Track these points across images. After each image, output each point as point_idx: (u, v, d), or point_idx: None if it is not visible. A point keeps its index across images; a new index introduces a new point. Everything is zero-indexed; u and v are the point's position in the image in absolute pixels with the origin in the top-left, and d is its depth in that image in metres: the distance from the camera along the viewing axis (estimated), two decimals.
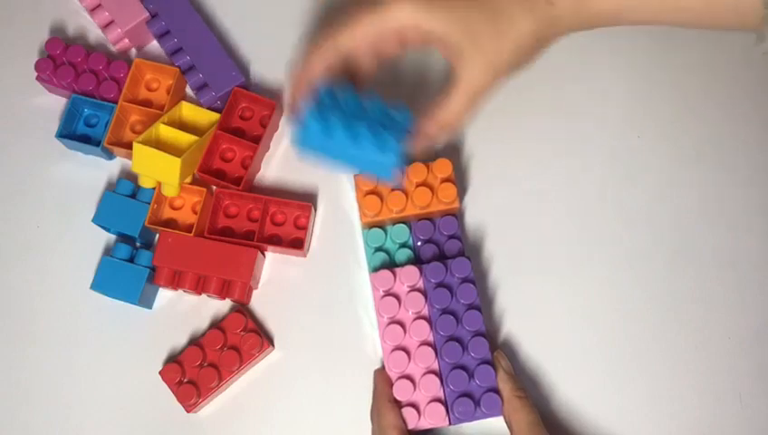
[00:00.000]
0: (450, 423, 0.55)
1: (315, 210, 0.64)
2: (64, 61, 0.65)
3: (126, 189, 0.62)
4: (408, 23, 0.50)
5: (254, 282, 0.61)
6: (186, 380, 0.58)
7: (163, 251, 0.60)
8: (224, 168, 0.64)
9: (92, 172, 0.65)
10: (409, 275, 0.58)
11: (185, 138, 0.62)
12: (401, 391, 0.55)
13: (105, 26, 0.67)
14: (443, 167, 0.60)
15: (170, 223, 0.63)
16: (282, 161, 0.66)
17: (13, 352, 0.61)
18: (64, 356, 0.61)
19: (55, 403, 0.60)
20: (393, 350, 0.56)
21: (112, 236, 0.63)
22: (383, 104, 0.54)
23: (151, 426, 0.59)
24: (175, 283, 0.60)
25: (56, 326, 0.62)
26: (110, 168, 0.65)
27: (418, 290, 0.58)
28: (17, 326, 0.62)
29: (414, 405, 0.55)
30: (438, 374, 0.56)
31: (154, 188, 0.62)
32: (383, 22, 0.51)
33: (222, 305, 0.61)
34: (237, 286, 0.60)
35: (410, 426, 0.54)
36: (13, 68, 0.68)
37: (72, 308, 0.62)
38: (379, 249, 0.60)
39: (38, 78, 0.66)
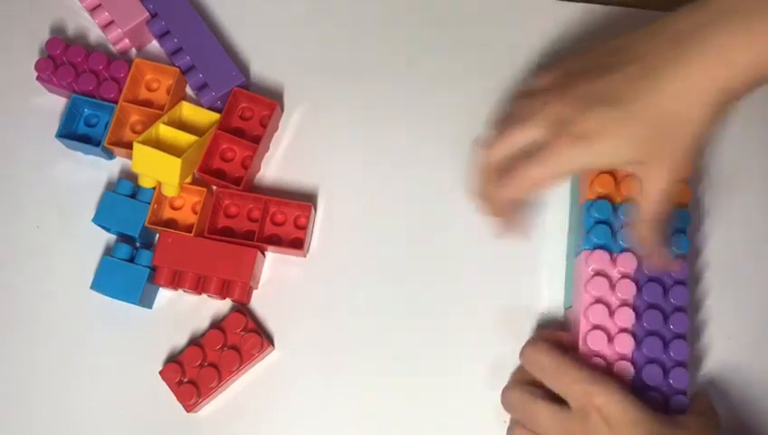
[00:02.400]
0: None
1: (315, 210, 0.63)
2: (64, 61, 0.65)
3: (126, 189, 0.62)
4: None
5: (254, 282, 0.61)
6: (186, 380, 0.58)
7: (163, 251, 0.60)
8: (224, 167, 0.64)
9: (92, 172, 0.65)
10: (626, 262, 0.57)
11: (185, 138, 0.62)
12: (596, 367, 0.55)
13: (105, 26, 0.67)
14: None
15: (170, 223, 0.63)
16: (281, 161, 0.66)
17: (13, 352, 0.61)
18: (64, 356, 0.61)
19: (55, 403, 0.60)
20: (593, 328, 0.56)
21: (112, 237, 0.63)
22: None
23: (151, 426, 0.59)
24: (175, 283, 0.60)
25: (56, 326, 0.62)
26: (110, 168, 0.65)
27: (631, 278, 0.57)
28: (17, 326, 0.62)
29: None
30: (633, 363, 0.55)
31: (154, 188, 0.62)
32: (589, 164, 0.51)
33: (222, 305, 0.61)
34: (237, 286, 0.60)
35: None
36: (13, 68, 0.68)
37: (72, 308, 0.62)
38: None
39: (38, 78, 0.65)
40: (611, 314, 0.56)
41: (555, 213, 0.64)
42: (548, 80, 0.55)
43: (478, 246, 0.63)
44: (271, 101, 0.64)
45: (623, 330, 0.56)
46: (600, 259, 0.57)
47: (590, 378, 0.51)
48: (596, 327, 0.56)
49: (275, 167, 0.65)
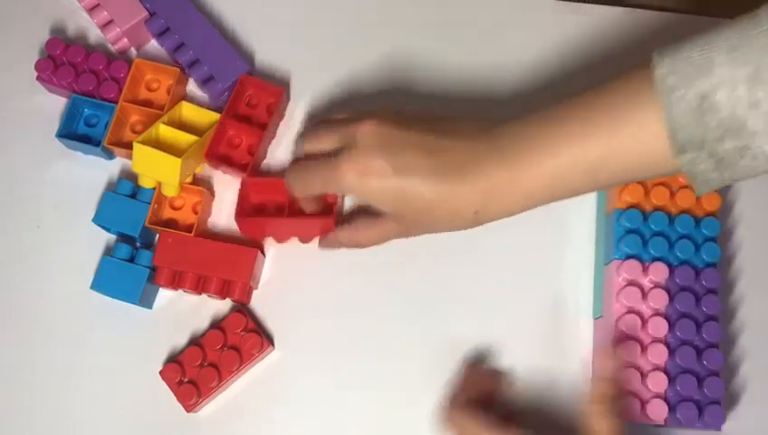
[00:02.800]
0: (665, 424, 0.55)
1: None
2: (64, 61, 0.65)
3: (126, 189, 0.62)
4: None
5: (254, 282, 0.61)
6: (186, 379, 0.58)
7: (163, 251, 0.60)
8: (231, 154, 0.64)
9: (92, 172, 0.65)
10: (657, 271, 0.58)
11: (185, 138, 0.62)
12: (628, 381, 0.55)
13: (104, 26, 0.67)
14: None
15: (170, 223, 0.63)
16: (288, 148, 0.66)
17: (12, 352, 0.61)
18: (64, 356, 0.61)
19: (55, 403, 0.60)
20: (626, 338, 0.56)
21: (112, 237, 0.63)
22: None
23: (151, 426, 0.59)
24: (175, 283, 0.60)
25: (56, 326, 0.62)
26: (110, 168, 0.65)
27: (663, 287, 0.57)
28: (17, 326, 0.62)
29: (636, 396, 0.55)
30: (666, 374, 0.56)
31: (154, 189, 0.62)
32: None
33: (222, 305, 0.61)
34: (237, 286, 0.60)
35: (629, 417, 0.55)
36: (13, 68, 0.68)
37: (72, 308, 0.62)
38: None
39: (38, 78, 0.65)
40: (644, 323, 0.57)
41: (580, 222, 0.64)
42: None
43: (499, 252, 0.63)
44: (278, 88, 0.64)
45: (656, 340, 0.56)
46: (631, 269, 0.58)
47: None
48: (628, 337, 0.56)
49: (282, 153, 0.66)
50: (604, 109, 0.48)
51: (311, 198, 0.58)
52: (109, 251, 0.63)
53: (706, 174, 0.46)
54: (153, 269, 0.60)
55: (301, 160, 0.56)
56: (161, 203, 0.62)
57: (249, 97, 0.66)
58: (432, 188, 0.51)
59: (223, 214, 0.64)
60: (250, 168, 0.62)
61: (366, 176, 0.51)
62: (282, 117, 0.67)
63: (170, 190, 0.61)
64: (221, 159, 0.63)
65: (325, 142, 0.55)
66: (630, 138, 0.47)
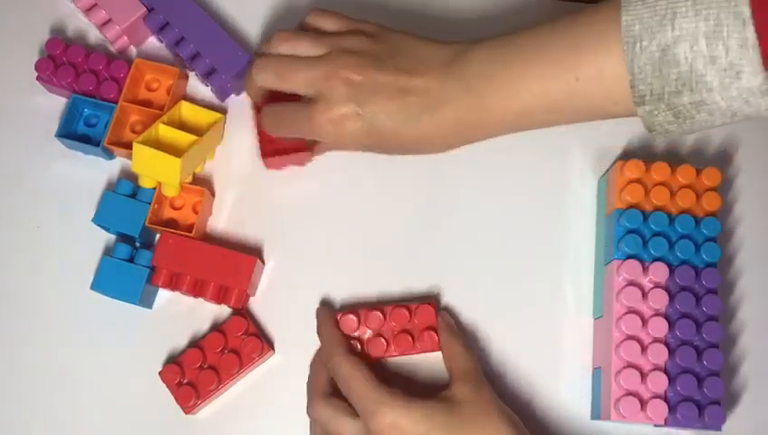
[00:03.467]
0: (665, 424, 0.55)
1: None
2: (64, 61, 0.65)
3: (126, 189, 0.62)
4: None
5: (251, 289, 0.61)
6: (185, 381, 0.58)
7: (163, 252, 0.60)
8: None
9: (92, 172, 0.65)
10: (658, 271, 0.58)
11: (185, 138, 0.62)
12: (628, 381, 0.56)
13: (102, 25, 0.67)
14: (712, 175, 0.59)
15: (171, 223, 0.63)
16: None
17: (12, 352, 0.61)
18: (64, 356, 0.61)
19: (54, 402, 0.60)
20: (627, 339, 0.56)
21: (112, 237, 0.63)
22: None
23: (150, 426, 0.59)
24: (172, 284, 0.60)
25: (56, 326, 0.62)
26: (110, 168, 0.65)
27: (663, 287, 0.57)
28: (17, 326, 0.62)
29: (636, 396, 0.55)
30: (666, 374, 0.56)
31: (154, 189, 0.62)
32: None
33: (223, 308, 0.61)
34: (234, 293, 0.60)
35: (630, 417, 0.55)
36: (13, 68, 0.68)
37: (72, 308, 0.62)
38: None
39: (38, 78, 0.65)
40: (644, 323, 0.57)
41: (580, 222, 0.64)
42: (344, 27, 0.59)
43: (499, 252, 0.63)
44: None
45: (656, 340, 0.56)
46: (631, 269, 0.58)
47: (375, 396, 0.52)
48: (629, 337, 0.56)
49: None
50: (568, 49, 0.50)
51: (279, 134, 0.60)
52: (109, 251, 0.63)
53: (665, 125, 0.48)
54: (152, 269, 0.60)
55: (273, 105, 0.58)
56: (161, 203, 0.62)
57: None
58: (405, 129, 0.54)
59: (223, 214, 0.64)
60: None
61: (340, 124, 0.54)
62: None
63: (170, 190, 0.61)
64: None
65: (290, 85, 0.56)
66: (592, 81, 0.49)
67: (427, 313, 0.59)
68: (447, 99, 0.53)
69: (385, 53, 0.55)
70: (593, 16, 0.50)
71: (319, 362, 0.58)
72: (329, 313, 0.60)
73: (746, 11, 0.43)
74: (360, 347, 0.58)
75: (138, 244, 0.63)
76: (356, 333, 0.59)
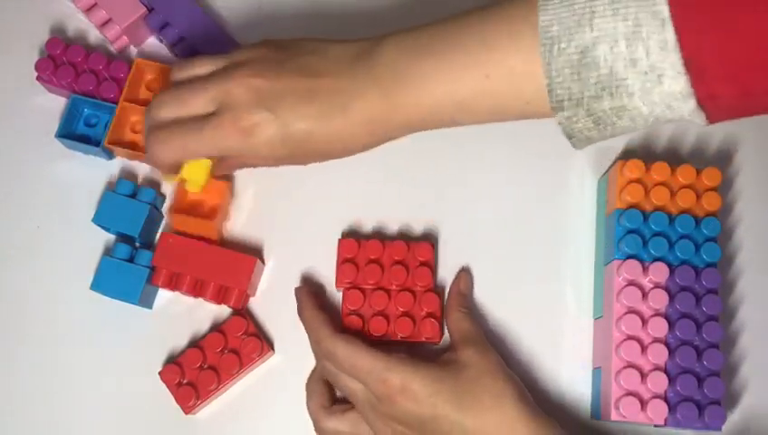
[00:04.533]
0: (665, 424, 0.55)
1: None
2: (64, 61, 0.65)
3: (126, 189, 0.62)
4: None
5: (251, 289, 0.61)
6: (185, 381, 0.58)
7: (162, 252, 0.60)
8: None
9: (92, 172, 0.65)
10: (658, 271, 0.57)
11: None
12: (628, 381, 0.56)
13: (102, 25, 0.67)
14: (712, 175, 0.59)
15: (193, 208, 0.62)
16: None
17: (12, 352, 0.61)
18: (64, 356, 0.61)
19: (54, 402, 0.60)
20: (626, 339, 0.56)
21: (112, 237, 0.63)
22: None
23: (149, 426, 0.59)
24: (172, 284, 0.60)
25: (56, 326, 0.62)
26: (110, 168, 0.65)
27: (663, 287, 0.57)
28: (17, 326, 0.62)
29: (636, 396, 0.55)
30: (666, 374, 0.56)
31: (154, 189, 0.62)
32: None
33: (223, 308, 0.61)
34: (234, 294, 0.60)
35: (630, 417, 0.55)
36: (13, 68, 0.68)
37: (72, 308, 0.62)
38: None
39: (38, 78, 0.65)
40: (644, 323, 0.57)
41: (580, 222, 0.64)
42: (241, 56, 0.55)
43: (499, 252, 0.63)
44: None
45: (656, 340, 0.56)
46: (631, 269, 0.58)
47: (382, 363, 0.53)
48: (629, 337, 0.56)
49: None
50: (479, 45, 0.48)
51: (174, 165, 0.55)
52: (109, 251, 0.63)
53: (584, 132, 0.46)
54: (152, 269, 0.60)
55: (162, 126, 0.54)
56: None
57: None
58: (319, 130, 0.51)
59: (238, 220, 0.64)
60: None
61: (251, 133, 0.51)
62: None
63: (194, 187, 0.61)
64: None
65: (194, 104, 0.53)
66: (503, 80, 0.47)
67: (424, 250, 0.60)
68: (358, 95, 0.51)
69: (286, 58, 0.53)
70: (507, 11, 0.47)
71: (313, 379, 0.58)
72: (309, 292, 0.59)
73: (665, 10, 0.41)
74: (361, 325, 0.58)
75: (138, 244, 0.63)
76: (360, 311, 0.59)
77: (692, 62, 0.41)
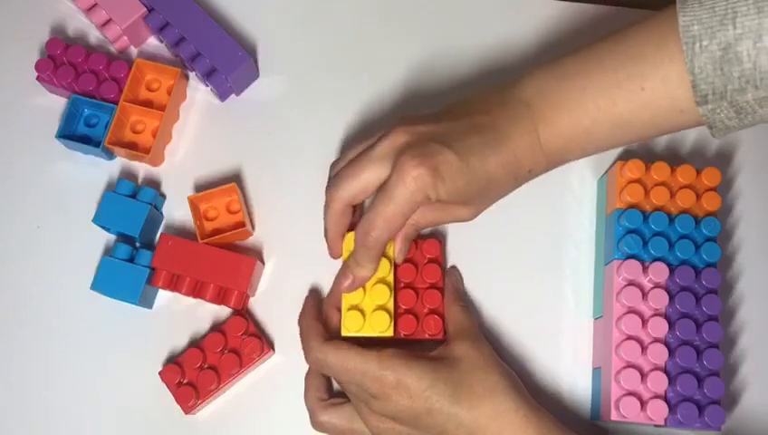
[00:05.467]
0: (665, 424, 0.55)
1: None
2: (64, 61, 0.65)
3: (126, 189, 0.62)
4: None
5: (251, 290, 0.61)
6: (185, 381, 0.58)
7: (163, 253, 0.60)
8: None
9: (92, 172, 0.65)
10: (658, 271, 0.57)
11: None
12: (628, 381, 0.56)
13: (103, 25, 0.67)
14: (712, 175, 0.59)
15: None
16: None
17: (13, 352, 0.61)
18: (64, 356, 0.61)
19: (54, 402, 0.60)
20: (626, 338, 0.56)
21: (112, 237, 0.63)
22: None
23: (150, 426, 0.60)
24: (172, 285, 0.60)
25: (56, 326, 0.62)
26: (110, 168, 0.65)
27: (663, 287, 0.57)
28: (17, 326, 0.62)
29: (636, 396, 0.55)
30: (666, 374, 0.56)
31: (154, 189, 0.62)
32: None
33: (223, 308, 0.61)
34: (234, 295, 0.60)
35: (630, 417, 0.55)
36: (13, 68, 0.68)
37: (72, 308, 0.62)
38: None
39: (38, 78, 0.65)
40: (644, 323, 0.57)
41: (580, 222, 0.64)
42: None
43: (499, 252, 0.63)
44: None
45: (656, 340, 0.56)
46: (631, 269, 0.58)
47: (375, 363, 0.53)
48: (629, 337, 0.56)
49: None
50: (628, 59, 0.49)
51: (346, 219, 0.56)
52: (109, 251, 0.63)
53: (725, 121, 0.48)
54: (152, 270, 0.60)
55: (340, 163, 0.55)
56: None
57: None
58: (492, 159, 0.51)
59: None
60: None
61: (437, 169, 0.50)
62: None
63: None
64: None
65: (365, 174, 0.53)
66: (658, 90, 0.48)
67: (432, 246, 0.60)
68: (516, 122, 0.52)
69: (431, 115, 0.53)
70: (648, 24, 0.49)
71: (311, 372, 0.58)
72: (313, 303, 0.59)
73: None
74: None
75: (138, 244, 0.63)
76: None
77: None
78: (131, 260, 0.61)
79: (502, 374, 0.54)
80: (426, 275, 0.59)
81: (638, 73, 0.49)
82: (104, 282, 0.60)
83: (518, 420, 0.52)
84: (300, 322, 0.58)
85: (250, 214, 0.64)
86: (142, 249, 0.61)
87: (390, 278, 0.57)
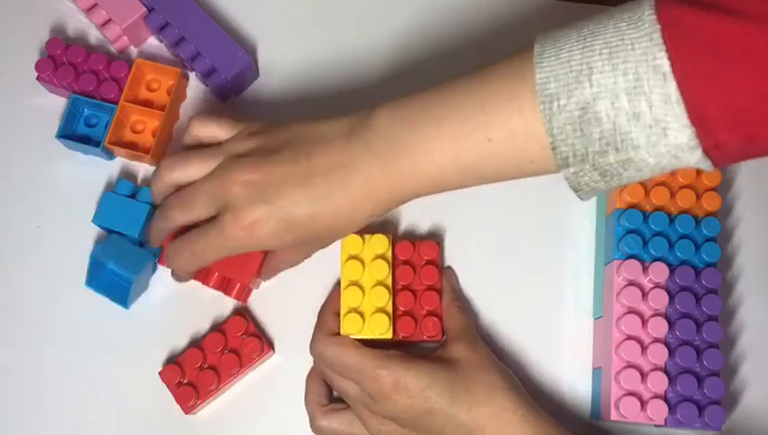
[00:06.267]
0: (665, 424, 0.55)
1: None
2: (64, 61, 0.65)
3: (126, 189, 0.62)
4: None
5: (254, 283, 0.61)
6: (185, 381, 0.58)
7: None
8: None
9: (92, 172, 0.65)
10: (658, 271, 0.58)
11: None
12: (628, 381, 0.56)
13: (103, 25, 0.67)
14: (712, 175, 0.59)
15: None
16: None
17: (12, 352, 0.61)
18: (63, 356, 0.61)
19: (54, 402, 0.60)
20: (626, 338, 0.57)
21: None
22: None
23: (150, 426, 0.59)
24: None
25: (56, 326, 0.62)
26: (110, 168, 0.65)
27: (663, 287, 0.57)
28: (17, 326, 0.62)
29: (636, 396, 0.55)
30: (666, 374, 0.56)
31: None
32: None
33: (223, 308, 0.62)
34: (236, 285, 0.60)
35: (630, 417, 0.55)
36: (13, 68, 0.68)
37: (72, 308, 0.62)
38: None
39: (38, 78, 0.65)
40: (644, 323, 0.57)
41: (580, 222, 0.64)
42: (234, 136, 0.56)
43: (499, 252, 0.63)
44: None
45: (656, 340, 0.56)
46: (631, 269, 0.58)
47: (374, 361, 0.53)
48: (629, 337, 0.56)
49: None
50: (477, 108, 0.47)
51: (194, 272, 0.59)
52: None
53: (591, 184, 0.46)
54: (161, 248, 0.60)
55: (176, 236, 0.56)
56: None
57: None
58: (322, 211, 0.51)
59: None
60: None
61: (253, 230, 0.51)
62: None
63: None
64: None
65: (196, 208, 0.54)
66: (505, 142, 0.46)
67: (430, 248, 0.60)
68: (356, 169, 0.50)
69: (278, 144, 0.53)
70: (503, 71, 0.47)
71: (312, 377, 0.59)
72: (335, 296, 0.59)
73: (665, 64, 0.40)
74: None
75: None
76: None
77: (696, 115, 0.41)
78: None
79: (500, 374, 0.54)
80: (424, 277, 0.59)
81: (485, 124, 0.46)
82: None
83: (516, 420, 0.52)
84: (318, 315, 0.59)
85: None
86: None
87: (389, 281, 0.57)
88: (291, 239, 0.52)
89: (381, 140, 0.50)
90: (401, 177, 0.50)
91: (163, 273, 0.62)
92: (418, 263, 0.60)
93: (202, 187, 0.54)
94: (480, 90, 0.47)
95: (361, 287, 0.57)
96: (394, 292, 0.58)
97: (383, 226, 0.63)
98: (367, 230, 0.56)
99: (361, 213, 0.52)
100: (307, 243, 0.55)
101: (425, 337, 0.58)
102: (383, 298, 0.57)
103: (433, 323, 0.58)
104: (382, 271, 0.57)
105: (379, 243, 0.58)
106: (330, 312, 0.58)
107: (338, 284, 0.60)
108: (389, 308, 0.57)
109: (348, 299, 0.57)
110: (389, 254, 0.58)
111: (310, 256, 0.58)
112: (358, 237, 0.58)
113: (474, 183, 0.50)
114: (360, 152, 0.50)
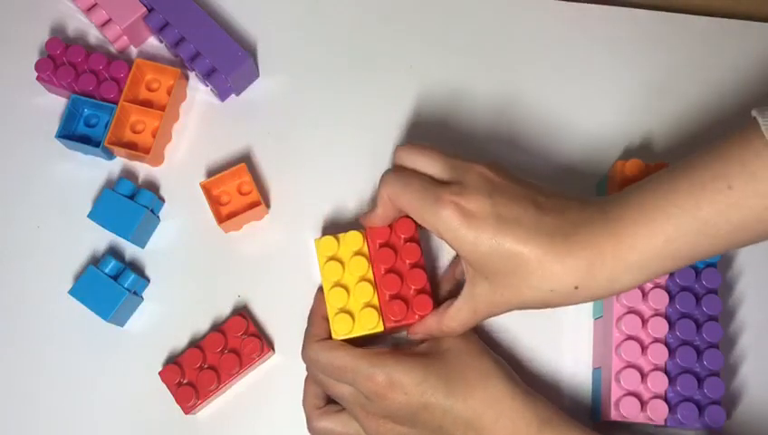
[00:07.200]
0: (665, 424, 0.55)
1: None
2: (64, 61, 0.65)
3: (125, 189, 0.62)
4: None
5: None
6: (185, 381, 0.58)
7: None
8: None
9: (92, 172, 0.65)
10: None
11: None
12: (628, 381, 0.56)
13: (103, 25, 0.67)
14: None
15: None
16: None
17: (12, 352, 0.61)
18: (63, 356, 0.61)
19: (54, 402, 0.60)
20: (627, 339, 0.57)
21: (112, 236, 0.63)
22: None
23: (150, 426, 0.59)
24: None
25: (55, 326, 0.62)
26: (110, 168, 0.65)
27: (663, 287, 0.57)
28: (17, 326, 0.62)
29: (637, 396, 0.55)
30: (666, 374, 0.56)
31: (153, 193, 0.62)
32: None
33: (223, 308, 0.62)
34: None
35: (630, 417, 0.55)
36: (13, 68, 0.68)
37: (72, 308, 0.61)
38: None
39: (38, 78, 0.65)
40: (644, 323, 0.57)
41: None
42: None
43: None
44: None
45: (656, 340, 0.56)
46: None
47: (366, 361, 0.53)
48: (629, 337, 0.56)
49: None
50: (713, 160, 0.47)
51: (387, 217, 0.56)
52: (109, 251, 0.63)
53: None
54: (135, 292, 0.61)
55: (404, 170, 0.54)
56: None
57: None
58: (533, 246, 0.48)
59: None
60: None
61: (466, 218, 0.49)
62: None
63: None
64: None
65: (433, 166, 0.53)
66: (746, 188, 0.46)
67: (406, 225, 0.58)
68: (587, 224, 0.49)
69: (524, 180, 0.52)
70: (730, 138, 0.47)
71: (308, 380, 0.58)
72: (320, 301, 0.59)
73: None
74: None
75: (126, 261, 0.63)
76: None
77: None
78: (116, 278, 0.61)
79: (492, 360, 0.54)
80: (405, 256, 0.58)
81: (722, 173, 0.46)
82: (82, 291, 0.60)
83: (515, 406, 0.52)
84: (307, 321, 0.59)
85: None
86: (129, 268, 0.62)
87: (371, 275, 0.57)
88: (481, 258, 0.50)
89: (615, 205, 0.49)
90: (630, 240, 0.48)
91: (160, 278, 0.62)
92: (397, 242, 0.58)
93: (447, 157, 0.53)
94: (711, 151, 0.48)
95: (345, 287, 0.57)
96: (379, 277, 0.58)
97: (355, 223, 0.62)
98: (339, 229, 0.57)
99: (567, 282, 0.49)
100: (483, 278, 0.52)
101: (416, 317, 0.57)
102: (368, 293, 0.56)
103: (423, 299, 0.57)
104: (362, 267, 0.57)
105: (354, 240, 0.58)
106: (317, 317, 0.58)
107: (320, 289, 0.59)
108: (376, 301, 0.57)
109: (334, 300, 0.57)
110: (366, 249, 0.58)
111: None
112: (332, 238, 0.58)
113: (707, 246, 0.48)
114: (593, 212, 0.50)
